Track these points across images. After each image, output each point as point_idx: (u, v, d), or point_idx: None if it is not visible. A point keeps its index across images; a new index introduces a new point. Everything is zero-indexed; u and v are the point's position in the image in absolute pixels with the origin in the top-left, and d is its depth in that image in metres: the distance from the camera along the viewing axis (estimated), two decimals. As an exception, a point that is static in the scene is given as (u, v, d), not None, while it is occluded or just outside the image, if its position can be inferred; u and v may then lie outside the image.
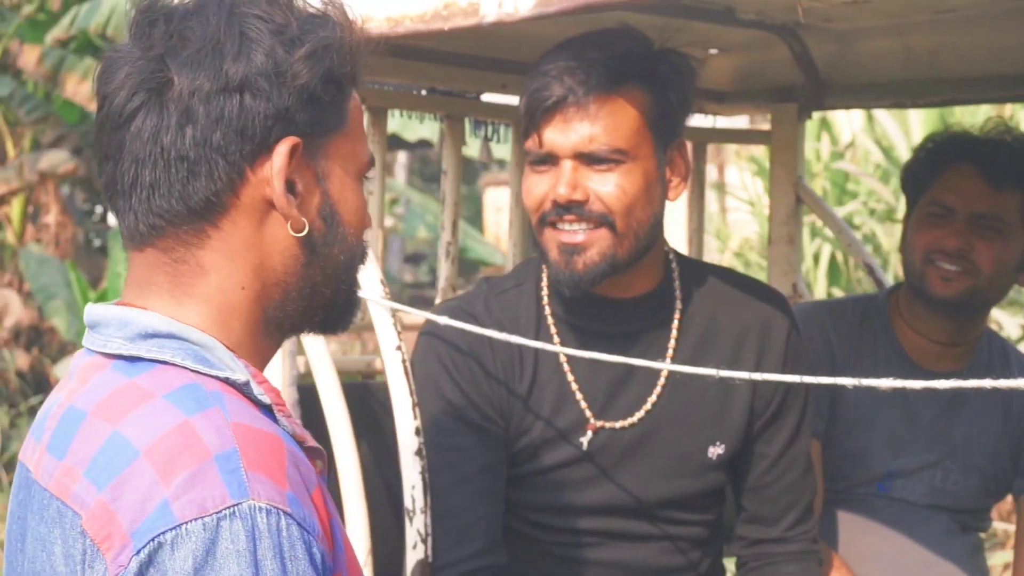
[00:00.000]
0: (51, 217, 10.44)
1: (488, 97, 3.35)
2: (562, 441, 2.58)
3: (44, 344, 10.15)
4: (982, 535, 3.31)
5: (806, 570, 2.74)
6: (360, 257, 1.74)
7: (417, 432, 2.53)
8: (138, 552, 1.43)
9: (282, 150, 1.59)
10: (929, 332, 3.11)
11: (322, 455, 1.69)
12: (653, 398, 2.60)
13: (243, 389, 1.58)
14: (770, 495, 2.73)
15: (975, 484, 3.16)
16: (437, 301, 3.16)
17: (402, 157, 20.83)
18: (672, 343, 2.62)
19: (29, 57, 9.90)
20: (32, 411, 9.08)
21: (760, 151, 10.81)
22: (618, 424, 2.59)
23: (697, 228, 3.66)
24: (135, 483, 1.46)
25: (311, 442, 1.67)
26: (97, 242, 13.18)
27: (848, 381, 1.97)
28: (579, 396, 2.58)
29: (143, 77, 1.58)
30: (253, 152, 1.59)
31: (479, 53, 3.20)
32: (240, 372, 1.59)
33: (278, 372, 2.70)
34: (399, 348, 2.57)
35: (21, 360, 9.87)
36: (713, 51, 3.51)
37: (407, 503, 2.52)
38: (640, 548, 2.65)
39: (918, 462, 3.11)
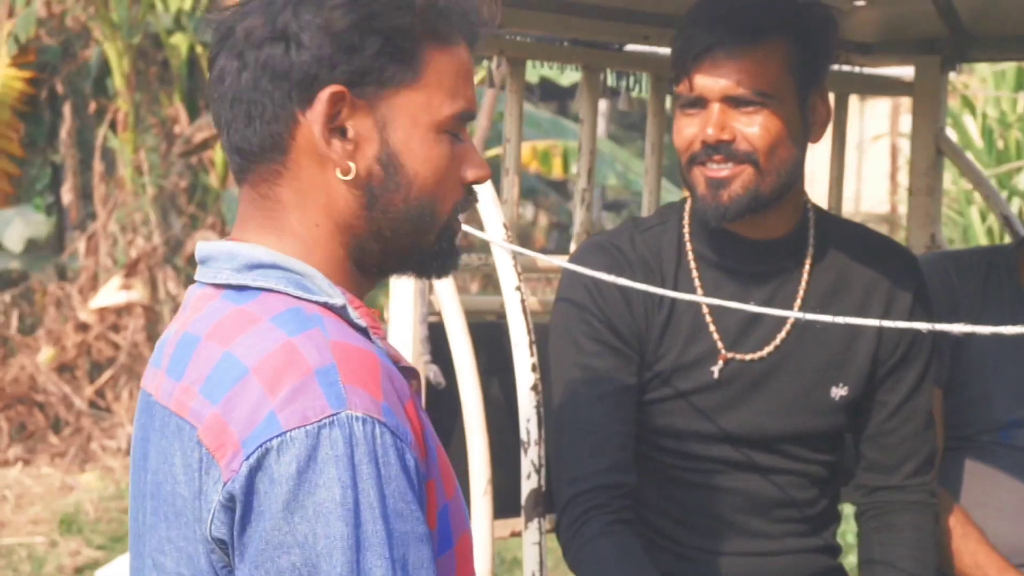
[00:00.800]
0: (252, 161, 10.77)
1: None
2: (693, 369, 2.73)
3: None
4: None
5: (922, 521, 2.83)
6: (429, 207, 1.78)
7: (533, 368, 2.67)
8: (248, 458, 1.59)
9: (322, 96, 1.71)
10: (1056, 283, 3.13)
11: (416, 375, 1.81)
12: (783, 334, 2.73)
13: (340, 312, 1.72)
14: (889, 443, 2.82)
15: (1100, 435, 3.15)
16: (572, 247, 3.28)
17: (603, 106, 20.81)
18: (803, 287, 2.75)
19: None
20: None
21: (954, 103, 10.66)
22: (748, 357, 2.73)
23: (837, 178, 3.71)
24: (245, 397, 1.62)
25: (405, 362, 1.80)
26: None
27: (958, 328, 2.04)
28: (712, 328, 2.73)
29: (223, 25, 1.74)
30: (301, 97, 1.71)
31: (622, 5, 3.29)
32: (338, 297, 1.73)
33: (409, 310, 2.86)
34: (518, 288, 2.70)
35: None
36: (860, 2, 3.55)
37: (522, 435, 2.66)
38: (761, 480, 2.77)
39: (1042, 411, 3.12)
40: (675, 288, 2.69)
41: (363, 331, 1.74)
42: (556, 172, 11.66)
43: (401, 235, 1.78)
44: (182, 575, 1.68)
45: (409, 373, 1.79)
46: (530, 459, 2.65)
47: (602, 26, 3.34)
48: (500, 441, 2.82)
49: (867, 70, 3.81)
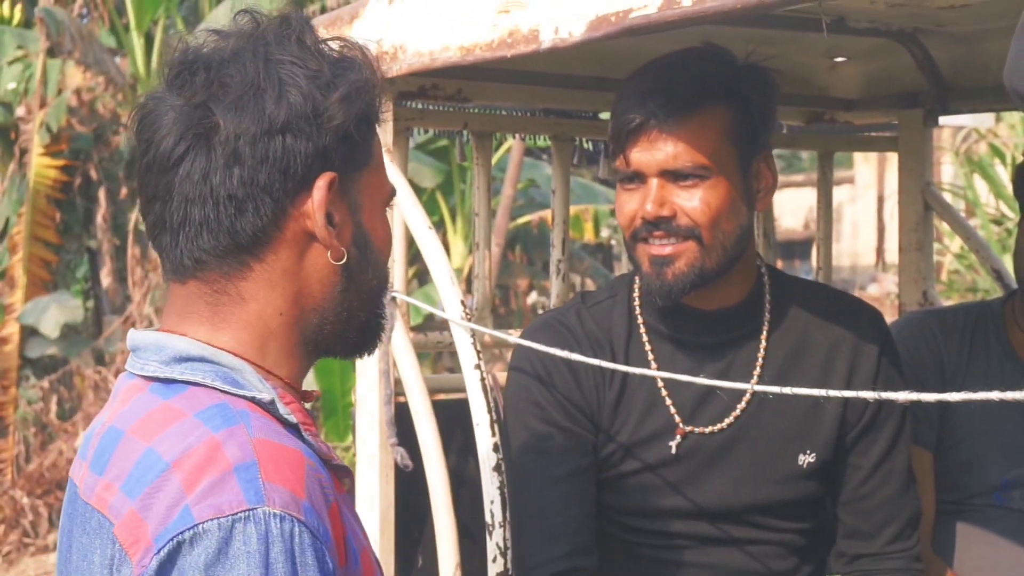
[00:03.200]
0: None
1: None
2: (651, 444, 2.65)
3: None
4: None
5: None
6: (387, 280, 1.85)
7: (495, 448, 2.60)
8: (159, 552, 1.55)
9: (321, 185, 1.71)
10: (1042, 339, 3.04)
11: (349, 473, 1.78)
12: (742, 404, 2.65)
13: (268, 408, 1.69)
14: (866, 508, 2.73)
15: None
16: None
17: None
18: (761, 354, 2.66)
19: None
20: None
21: (982, 149, 10.56)
22: (707, 429, 2.65)
23: (825, 238, 3.64)
24: (163, 493, 1.58)
25: (337, 460, 1.76)
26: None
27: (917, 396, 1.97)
28: (668, 402, 2.65)
29: (190, 123, 1.70)
30: (295, 189, 1.71)
31: (593, 73, 3.26)
32: (266, 392, 1.70)
33: (375, 392, 2.81)
34: (478, 367, 2.65)
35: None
36: (840, 59, 3.50)
37: (487, 517, 2.59)
38: (731, 552, 2.69)
39: (1037, 471, 3.03)
40: (627, 363, 2.61)
41: (294, 427, 1.71)
42: (588, 236, 11.67)
43: (366, 311, 1.80)
44: None
45: (342, 471, 1.76)
46: (495, 542, 2.58)
47: (575, 95, 3.30)
48: (475, 522, 2.76)
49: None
